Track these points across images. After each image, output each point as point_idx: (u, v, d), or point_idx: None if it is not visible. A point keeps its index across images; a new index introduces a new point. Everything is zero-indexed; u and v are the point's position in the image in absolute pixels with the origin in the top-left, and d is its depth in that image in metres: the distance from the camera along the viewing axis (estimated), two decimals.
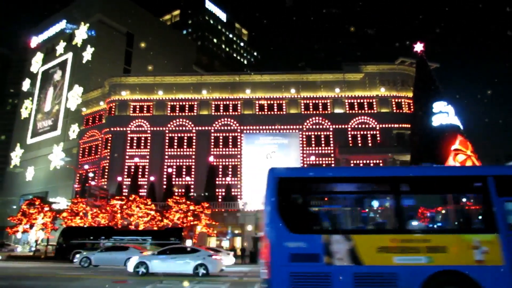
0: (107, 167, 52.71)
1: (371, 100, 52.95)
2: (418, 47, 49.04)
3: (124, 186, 49.72)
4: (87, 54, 65.90)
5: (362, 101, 52.98)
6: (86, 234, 33.48)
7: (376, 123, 51.75)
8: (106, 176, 52.11)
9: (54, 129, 67.60)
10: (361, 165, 50.29)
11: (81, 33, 68.99)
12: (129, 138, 52.96)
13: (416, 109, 47.56)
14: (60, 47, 73.41)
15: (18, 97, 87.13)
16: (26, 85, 79.95)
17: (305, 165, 50.25)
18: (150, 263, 18.45)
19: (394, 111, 52.47)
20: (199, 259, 18.39)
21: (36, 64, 79.03)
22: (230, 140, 52.18)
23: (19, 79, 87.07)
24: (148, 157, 52.20)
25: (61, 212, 42.72)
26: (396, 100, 53.00)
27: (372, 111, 52.40)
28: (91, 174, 53.53)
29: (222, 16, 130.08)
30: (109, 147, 53.08)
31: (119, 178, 49.95)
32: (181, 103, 53.97)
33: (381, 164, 50.12)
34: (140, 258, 18.96)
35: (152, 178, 49.72)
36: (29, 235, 47.10)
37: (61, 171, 61.68)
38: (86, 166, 55.29)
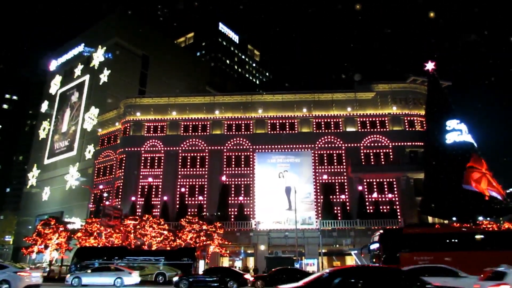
0: (121, 187, 53.36)
1: (383, 119, 52.84)
2: (430, 65, 49.28)
3: (138, 206, 50.16)
4: (104, 76, 67.80)
5: (374, 119, 52.90)
6: (100, 255, 33.61)
7: (388, 141, 51.46)
8: (120, 196, 52.70)
9: (70, 150, 69.04)
10: (374, 183, 49.82)
11: (98, 56, 71.23)
12: (143, 158, 53.72)
13: (429, 127, 47.40)
14: (78, 69, 75.76)
15: (36, 119, 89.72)
16: (44, 106, 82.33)
17: (318, 184, 50.02)
18: None
19: (407, 129, 52.17)
20: (4, 275, 18.25)
21: (55, 86, 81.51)
22: (243, 160, 52.45)
23: (37, 101, 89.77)
24: (161, 177, 52.72)
25: (75, 232, 43.14)
26: (409, 118, 52.76)
27: (385, 130, 52.21)
28: (105, 194, 54.18)
29: (235, 38, 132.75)
30: (123, 167, 53.87)
31: (133, 198, 50.47)
32: (194, 123, 54.75)
33: (394, 183, 49.58)
34: None
35: (165, 198, 50.06)
36: (44, 256, 47.54)
37: (77, 191, 62.64)
38: (101, 186, 56.08)
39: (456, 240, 24.02)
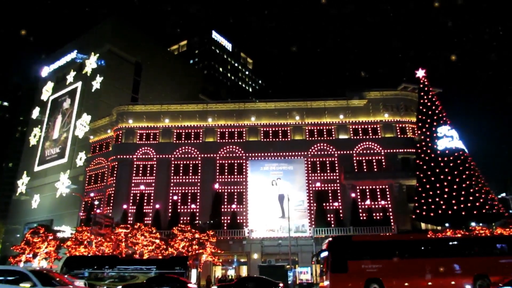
0: (112, 194, 52.75)
1: (375, 126, 53.12)
2: (420, 73, 49.88)
3: (129, 214, 49.54)
4: (96, 83, 67.37)
5: (366, 126, 53.16)
6: (90, 264, 32.98)
7: (381, 148, 51.69)
8: (111, 204, 52.08)
9: (62, 157, 68.23)
10: (367, 190, 49.90)
11: (91, 62, 70.84)
12: (135, 166, 53.25)
13: (420, 134, 47.76)
14: (71, 76, 75.21)
15: (27, 125, 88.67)
16: (35, 113, 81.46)
17: (311, 191, 49.94)
18: None
19: (399, 136, 52.50)
20: None
21: (47, 92, 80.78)
22: (235, 167, 52.24)
23: (29, 107, 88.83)
24: (153, 184, 52.25)
25: (65, 241, 42.44)
26: (400, 125, 53.13)
27: (377, 137, 52.47)
28: (96, 202, 53.51)
29: (228, 46, 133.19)
30: (115, 175, 53.30)
31: (125, 206, 49.86)
32: (187, 131, 54.52)
33: (387, 190, 49.72)
34: None
35: (157, 206, 49.56)
36: (32, 265, 46.64)
37: (67, 199, 61.78)
38: (92, 194, 55.41)
39: (405, 248, 23.86)
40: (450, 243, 24.88)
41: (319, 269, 25.75)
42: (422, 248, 23.97)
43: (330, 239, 24.71)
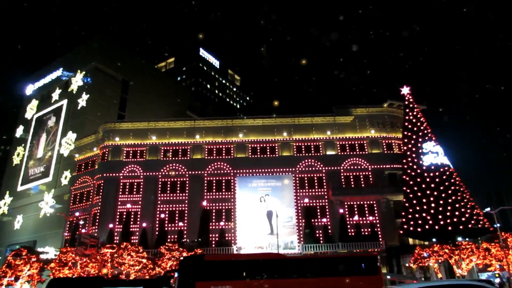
0: (98, 214, 51.74)
1: (362, 142, 53.79)
2: (405, 90, 51.10)
3: (116, 233, 48.57)
4: (82, 101, 66.74)
5: (353, 142, 53.79)
6: (74, 286, 32.03)
7: (368, 164, 52.22)
8: (97, 223, 51.01)
9: (46, 176, 66.86)
10: (355, 206, 50.11)
11: (77, 80, 70.28)
12: (121, 184, 52.51)
13: (406, 150, 48.57)
14: (56, 94, 74.39)
15: (10, 144, 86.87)
16: (19, 131, 79.95)
17: (299, 207, 49.91)
18: None
19: (385, 152, 53.20)
20: None
21: (31, 110, 79.61)
22: (223, 184, 51.99)
23: (12, 126, 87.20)
24: (140, 202, 51.51)
25: (49, 263, 41.27)
26: (387, 141, 53.91)
27: (364, 152, 53.07)
28: (81, 222, 52.34)
29: (215, 63, 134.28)
30: (101, 193, 52.39)
31: (111, 225, 48.90)
32: (174, 148, 54.25)
33: (374, 205, 50.03)
34: None
35: (144, 224, 48.74)
36: None
37: (51, 219, 60.30)
38: (77, 213, 54.23)
39: (256, 269, 23.20)
40: (302, 263, 24.46)
41: None
42: (274, 268, 23.16)
43: (182, 258, 24.15)
